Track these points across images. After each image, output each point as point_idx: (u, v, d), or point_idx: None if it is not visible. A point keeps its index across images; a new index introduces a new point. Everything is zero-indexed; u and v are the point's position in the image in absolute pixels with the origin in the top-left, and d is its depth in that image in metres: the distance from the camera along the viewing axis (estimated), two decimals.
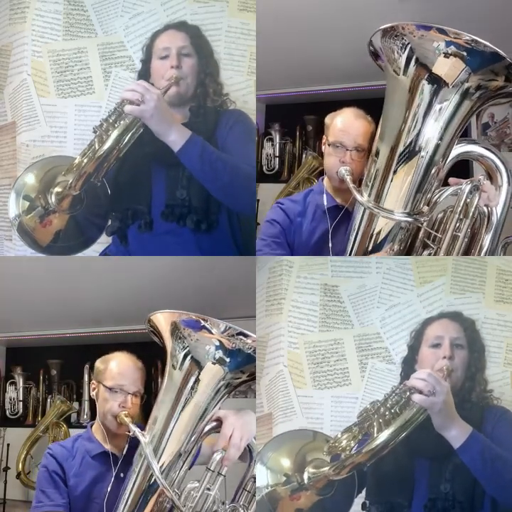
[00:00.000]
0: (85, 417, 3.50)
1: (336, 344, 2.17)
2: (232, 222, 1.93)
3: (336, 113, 1.95)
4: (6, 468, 3.44)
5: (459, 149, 1.76)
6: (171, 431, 1.45)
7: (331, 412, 2.13)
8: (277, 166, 3.63)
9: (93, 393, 1.77)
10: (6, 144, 2.24)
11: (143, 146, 1.80)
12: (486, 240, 1.76)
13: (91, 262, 2.37)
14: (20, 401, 3.69)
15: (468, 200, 1.69)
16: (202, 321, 1.43)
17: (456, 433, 1.48)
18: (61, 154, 2.13)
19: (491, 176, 1.79)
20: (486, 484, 1.49)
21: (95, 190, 1.85)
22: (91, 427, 1.79)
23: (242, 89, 2.21)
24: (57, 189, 1.83)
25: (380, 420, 1.50)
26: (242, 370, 1.49)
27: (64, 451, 1.73)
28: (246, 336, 1.44)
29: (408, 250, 1.82)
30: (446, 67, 1.54)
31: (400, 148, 1.67)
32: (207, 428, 1.49)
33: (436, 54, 1.53)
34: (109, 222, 1.96)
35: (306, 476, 1.57)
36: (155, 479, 1.41)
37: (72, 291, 2.85)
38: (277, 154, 3.61)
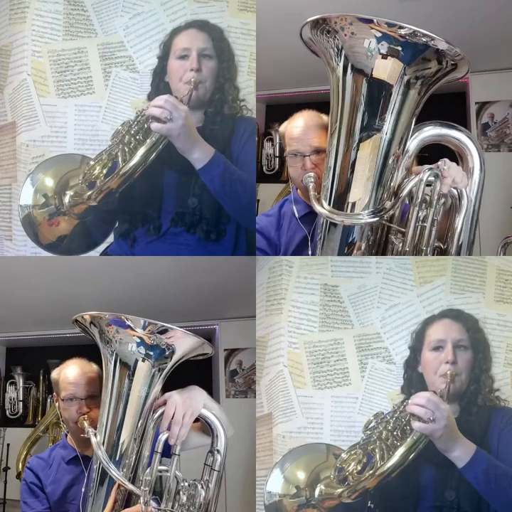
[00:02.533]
0: None
1: (336, 344, 2.17)
2: (239, 231, 1.92)
3: (288, 121, 1.93)
4: (6, 468, 3.45)
5: (425, 133, 1.70)
6: (118, 424, 1.54)
7: (330, 412, 2.13)
8: (277, 166, 3.63)
9: (56, 405, 1.86)
10: (6, 144, 2.24)
11: (162, 148, 1.75)
12: (458, 222, 1.70)
13: (91, 262, 2.37)
14: (20, 401, 3.70)
15: (429, 189, 1.63)
16: (124, 321, 1.52)
17: (459, 453, 1.46)
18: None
19: (461, 157, 1.73)
20: (491, 501, 1.47)
21: (111, 196, 1.82)
22: (66, 435, 1.89)
23: (242, 89, 2.20)
24: (71, 192, 1.84)
25: (383, 446, 1.51)
26: (165, 356, 1.55)
27: (41, 462, 1.86)
28: (165, 331, 1.52)
29: (384, 246, 1.76)
30: (382, 68, 1.54)
31: (353, 147, 1.63)
32: (158, 412, 1.54)
33: (369, 57, 1.53)
34: (117, 224, 1.96)
35: (317, 492, 1.59)
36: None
37: (72, 291, 2.85)
38: (277, 154, 3.62)
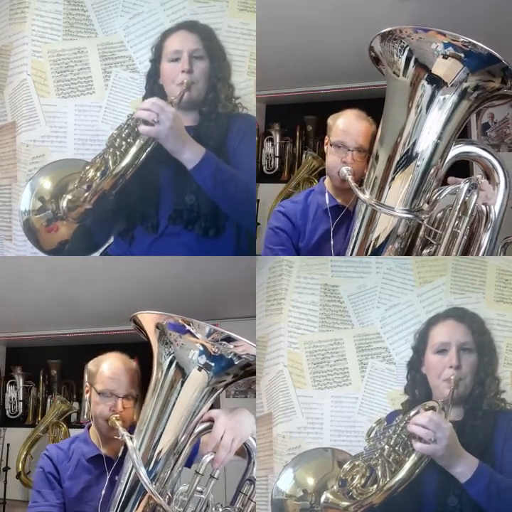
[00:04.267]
0: (85, 417, 3.51)
1: (336, 344, 2.17)
2: (240, 228, 1.92)
3: (339, 114, 1.99)
4: (6, 468, 3.45)
5: (457, 150, 1.79)
6: (160, 434, 1.45)
7: (330, 412, 2.13)
8: (277, 166, 3.63)
9: (86, 396, 1.77)
10: (6, 144, 2.24)
11: (152, 149, 1.78)
12: (485, 239, 1.76)
13: (91, 262, 2.37)
14: (20, 401, 3.69)
15: (466, 198, 1.71)
16: (187, 325, 1.43)
17: (462, 469, 1.45)
18: (62, 155, 2.13)
19: (488, 176, 1.81)
20: None
21: (105, 198, 1.83)
22: (88, 428, 1.79)
23: (242, 89, 2.21)
24: (69, 196, 1.84)
25: (385, 463, 1.50)
26: (227, 372, 1.49)
27: (60, 452, 1.74)
28: (231, 340, 1.43)
29: (408, 249, 1.83)
30: (445, 68, 1.58)
31: (400, 149, 1.70)
32: (199, 428, 1.48)
33: (435, 55, 1.57)
34: (116, 223, 1.95)
35: (323, 498, 1.59)
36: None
37: (72, 291, 2.85)
38: (277, 154, 3.62)
